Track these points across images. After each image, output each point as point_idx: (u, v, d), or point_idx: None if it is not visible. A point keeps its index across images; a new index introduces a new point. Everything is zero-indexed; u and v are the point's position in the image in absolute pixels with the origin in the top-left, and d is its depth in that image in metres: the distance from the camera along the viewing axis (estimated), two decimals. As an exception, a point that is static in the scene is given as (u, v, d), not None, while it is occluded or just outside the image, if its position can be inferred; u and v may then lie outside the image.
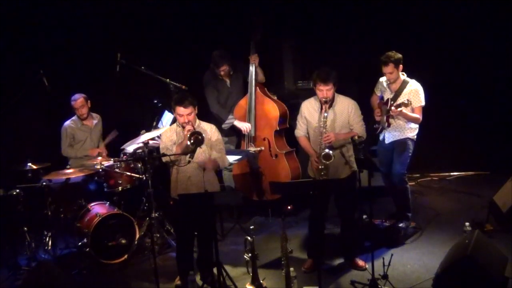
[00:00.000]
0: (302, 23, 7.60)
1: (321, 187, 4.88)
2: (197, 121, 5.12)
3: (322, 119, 5.17)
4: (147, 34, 7.49)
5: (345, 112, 5.23)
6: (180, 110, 4.96)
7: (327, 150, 5.11)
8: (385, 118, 5.84)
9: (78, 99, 6.47)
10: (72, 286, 5.23)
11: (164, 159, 5.05)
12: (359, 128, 5.24)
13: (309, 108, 5.33)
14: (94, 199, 6.18)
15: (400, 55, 5.74)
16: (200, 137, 4.82)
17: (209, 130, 5.15)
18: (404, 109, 5.63)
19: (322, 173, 5.18)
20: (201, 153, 5.03)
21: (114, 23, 7.35)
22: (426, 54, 7.40)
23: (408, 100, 5.58)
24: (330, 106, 5.20)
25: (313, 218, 5.44)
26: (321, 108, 5.20)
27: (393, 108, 5.65)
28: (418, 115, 5.77)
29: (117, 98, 7.53)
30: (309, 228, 5.54)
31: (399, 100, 5.68)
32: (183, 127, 4.99)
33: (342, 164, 5.29)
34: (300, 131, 5.42)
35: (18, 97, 6.29)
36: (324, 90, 5.11)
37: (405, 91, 5.77)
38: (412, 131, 5.90)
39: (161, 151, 5.10)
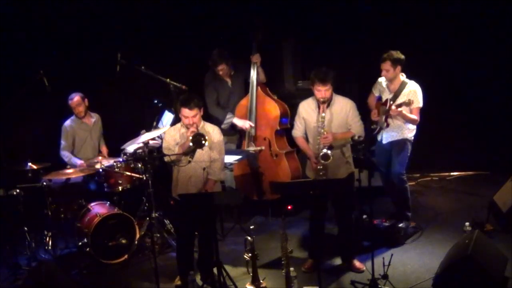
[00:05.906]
0: (302, 23, 7.59)
1: (321, 187, 4.88)
2: (202, 122, 5.13)
3: (320, 119, 5.16)
4: (147, 34, 7.48)
5: (343, 112, 5.23)
6: (186, 111, 4.96)
7: (325, 150, 5.11)
8: (383, 118, 5.81)
9: (75, 98, 6.47)
10: (72, 286, 5.23)
11: (165, 158, 5.07)
12: (357, 128, 5.23)
13: (306, 108, 5.32)
14: (94, 199, 6.17)
15: (401, 56, 5.70)
16: (202, 139, 4.83)
17: (212, 131, 5.17)
18: (404, 109, 5.63)
19: (321, 173, 5.18)
20: (202, 153, 5.04)
21: (114, 23, 7.35)
22: (426, 54, 7.39)
23: (409, 99, 5.57)
24: (328, 106, 5.19)
25: (314, 219, 5.43)
26: (319, 108, 5.20)
27: (393, 107, 5.64)
28: (416, 117, 5.75)
29: (117, 98, 7.53)
30: (310, 228, 5.54)
31: (399, 101, 5.66)
32: (188, 128, 5.00)
33: (341, 164, 5.29)
34: (297, 132, 5.42)
35: (18, 97, 6.30)
36: (323, 91, 5.11)
37: (404, 91, 5.74)
38: (410, 131, 5.88)
39: (163, 150, 5.12)
